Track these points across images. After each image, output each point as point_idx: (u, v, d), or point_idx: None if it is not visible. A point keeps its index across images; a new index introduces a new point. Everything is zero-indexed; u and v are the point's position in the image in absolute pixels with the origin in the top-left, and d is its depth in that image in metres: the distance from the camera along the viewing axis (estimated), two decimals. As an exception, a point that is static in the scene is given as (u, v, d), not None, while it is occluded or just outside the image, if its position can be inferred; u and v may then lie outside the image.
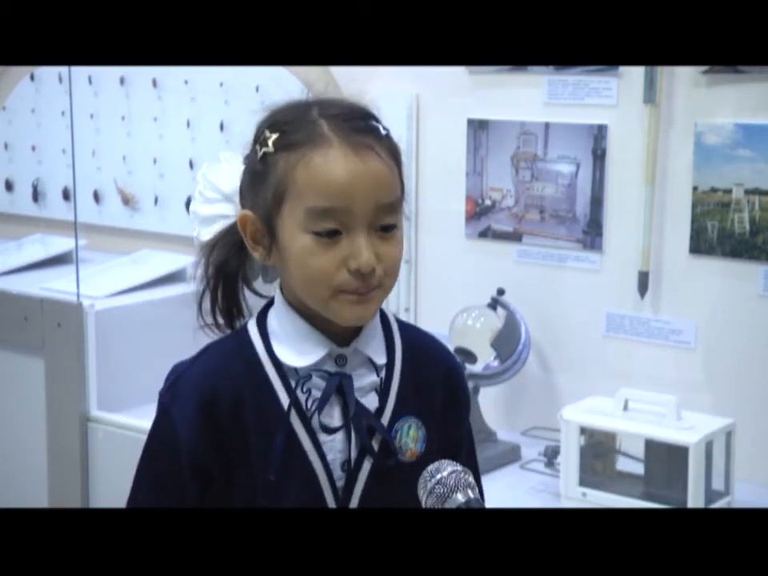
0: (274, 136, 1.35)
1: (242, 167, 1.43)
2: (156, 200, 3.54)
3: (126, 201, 3.61)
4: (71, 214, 3.18)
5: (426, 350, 1.47)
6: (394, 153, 1.36)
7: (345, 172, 1.31)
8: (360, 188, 1.31)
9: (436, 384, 1.45)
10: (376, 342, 1.41)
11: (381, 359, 1.41)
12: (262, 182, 1.36)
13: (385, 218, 1.33)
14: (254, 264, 1.45)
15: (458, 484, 1.26)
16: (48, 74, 3.69)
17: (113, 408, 2.83)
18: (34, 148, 3.83)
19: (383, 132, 1.36)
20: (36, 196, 3.84)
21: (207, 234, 1.46)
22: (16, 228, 3.80)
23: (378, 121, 1.37)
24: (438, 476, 1.28)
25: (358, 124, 1.34)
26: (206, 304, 1.45)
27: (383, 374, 1.41)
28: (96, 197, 3.67)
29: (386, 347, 1.42)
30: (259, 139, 1.37)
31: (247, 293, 1.47)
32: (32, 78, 3.74)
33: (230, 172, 1.46)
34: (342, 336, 1.39)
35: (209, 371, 1.39)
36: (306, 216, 1.32)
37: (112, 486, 2.77)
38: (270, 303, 1.43)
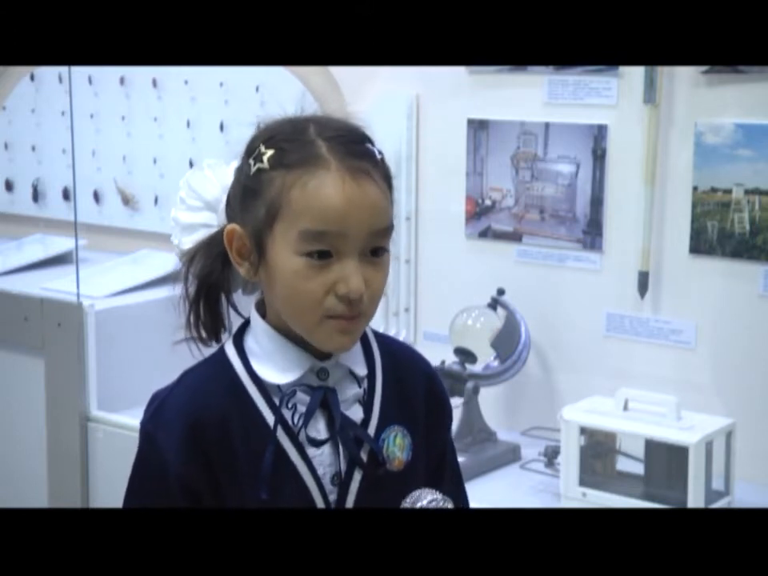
0: (270, 152, 1.32)
1: (225, 175, 1.41)
2: (156, 200, 3.55)
3: (126, 201, 3.62)
4: (71, 214, 3.17)
5: (405, 359, 1.46)
6: (387, 178, 1.35)
7: (342, 197, 1.29)
8: (355, 214, 1.29)
9: (418, 392, 1.44)
10: (356, 353, 1.40)
11: (362, 371, 1.40)
12: (254, 198, 1.33)
13: (376, 242, 1.32)
14: (236, 276, 1.42)
15: None
16: (48, 74, 3.69)
17: (113, 408, 2.82)
18: (34, 148, 3.83)
19: (378, 156, 1.35)
20: (36, 196, 3.84)
21: (188, 242, 1.43)
22: (16, 228, 3.80)
23: (373, 144, 1.36)
24: (418, 505, 1.28)
25: (355, 148, 1.32)
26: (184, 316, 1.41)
27: (365, 384, 1.40)
28: (96, 197, 3.67)
29: (365, 358, 1.41)
30: (253, 154, 1.34)
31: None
32: (32, 78, 3.74)
33: (213, 179, 1.43)
34: (321, 350, 1.37)
35: (192, 395, 1.37)
36: (299, 238, 1.30)
37: (112, 486, 2.76)
38: (246, 324, 1.42)
